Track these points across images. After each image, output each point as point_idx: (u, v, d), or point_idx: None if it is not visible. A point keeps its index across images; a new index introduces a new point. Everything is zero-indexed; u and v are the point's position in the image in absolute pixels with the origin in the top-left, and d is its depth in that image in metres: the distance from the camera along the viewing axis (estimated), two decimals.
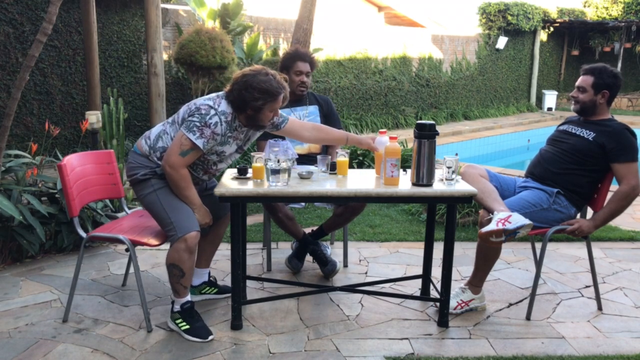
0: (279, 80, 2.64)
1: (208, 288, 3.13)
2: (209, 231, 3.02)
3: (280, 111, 3.48)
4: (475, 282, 3.04)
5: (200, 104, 2.61)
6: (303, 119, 3.51)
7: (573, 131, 3.07)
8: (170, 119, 2.75)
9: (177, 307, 2.74)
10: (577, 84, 3.05)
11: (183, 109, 2.69)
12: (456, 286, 3.13)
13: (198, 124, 2.55)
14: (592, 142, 2.94)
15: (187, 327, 2.70)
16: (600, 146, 2.91)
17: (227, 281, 3.36)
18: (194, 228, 2.62)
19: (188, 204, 2.68)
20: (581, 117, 3.10)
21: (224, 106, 2.62)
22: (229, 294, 3.09)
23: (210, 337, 2.68)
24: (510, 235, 2.71)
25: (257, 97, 2.57)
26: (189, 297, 2.75)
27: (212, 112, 2.58)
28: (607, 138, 2.91)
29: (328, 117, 3.60)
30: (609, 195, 2.95)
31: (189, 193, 2.67)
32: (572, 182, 2.99)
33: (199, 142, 2.56)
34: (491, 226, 2.72)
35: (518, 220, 2.70)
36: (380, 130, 2.80)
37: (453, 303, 2.97)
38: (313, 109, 3.57)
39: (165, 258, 2.69)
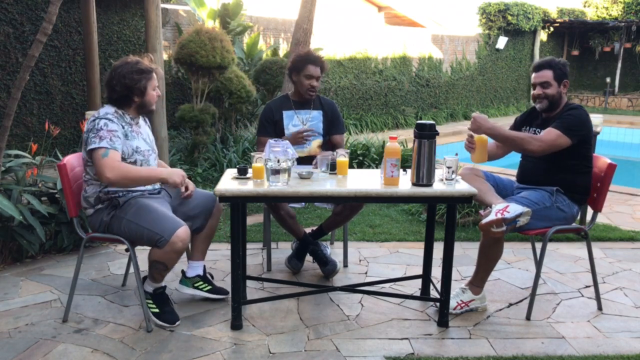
0: (146, 62, 2.82)
1: (202, 283, 3.08)
2: (204, 226, 3.02)
3: (284, 112, 3.49)
4: (477, 282, 3.03)
5: (86, 127, 2.71)
6: (306, 123, 3.50)
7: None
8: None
9: (149, 289, 2.79)
10: (536, 81, 3.02)
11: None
12: (456, 286, 3.13)
13: (93, 135, 2.64)
14: None
15: (157, 310, 2.79)
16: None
17: (227, 281, 3.36)
18: (179, 224, 2.63)
19: (157, 180, 2.71)
20: (542, 115, 3.08)
21: (105, 109, 2.74)
22: (223, 296, 3.09)
23: (177, 323, 2.78)
24: (511, 224, 2.74)
25: (138, 78, 2.72)
26: (163, 283, 2.81)
27: (97, 120, 2.68)
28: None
29: (332, 123, 3.58)
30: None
31: (146, 173, 2.69)
32: (564, 179, 2.97)
33: (104, 144, 2.60)
34: (490, 217, 2.76)
35: (516, 208, 2.75)
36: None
37: (453, 303, 2.97)
38: (316, 114, 3.55)
39: (149, 253, 2.71)
